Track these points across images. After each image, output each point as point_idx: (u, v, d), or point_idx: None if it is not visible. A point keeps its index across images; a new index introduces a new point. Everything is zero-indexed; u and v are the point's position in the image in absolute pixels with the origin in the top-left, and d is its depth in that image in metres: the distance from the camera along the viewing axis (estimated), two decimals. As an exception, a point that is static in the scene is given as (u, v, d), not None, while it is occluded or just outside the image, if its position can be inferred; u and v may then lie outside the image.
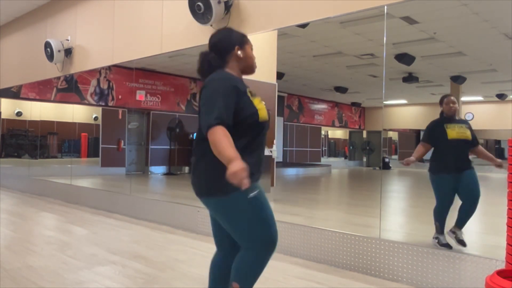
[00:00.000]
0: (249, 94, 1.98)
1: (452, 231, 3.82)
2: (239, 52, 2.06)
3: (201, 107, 1.91)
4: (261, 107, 1.98)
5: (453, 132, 3.85)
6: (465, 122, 3.98)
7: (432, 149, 3.96)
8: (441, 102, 4.02)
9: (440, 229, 3.84)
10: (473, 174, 3.86)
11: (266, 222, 1.96)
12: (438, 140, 3.89)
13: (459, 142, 3.85)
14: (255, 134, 1.97)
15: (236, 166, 1.70)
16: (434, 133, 3.93)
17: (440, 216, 3.89)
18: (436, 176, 3.90)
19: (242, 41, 2.11)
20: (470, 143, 3.89)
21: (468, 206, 3.83)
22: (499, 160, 3.78)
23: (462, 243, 3.70)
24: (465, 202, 3.85)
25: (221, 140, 1.76)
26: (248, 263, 1.98)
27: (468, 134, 3.87)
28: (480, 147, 3.97)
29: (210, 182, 1.93)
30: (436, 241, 3.73)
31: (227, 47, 2.07)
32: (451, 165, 3.84)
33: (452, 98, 3.95)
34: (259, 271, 2.00)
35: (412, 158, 3.86)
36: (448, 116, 3.93)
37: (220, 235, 2.13)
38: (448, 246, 3.61)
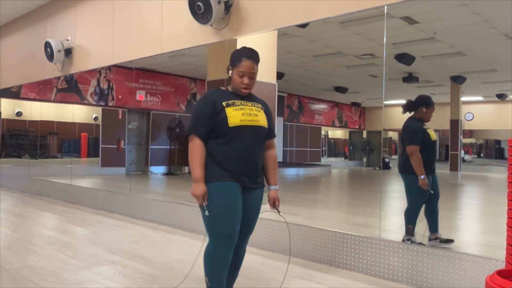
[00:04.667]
0: (224, 104, 2.31)
1: (433, 238, 3.84)
2: (230, 72, 2.40)
3: None
4: (233, 115, 2.28)
5: (433, 134, 3.92)
6: None
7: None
8: (421, 105, 3.92)
9: (412, 231, 3.86)
10: (436, 176, 3.99)
11: (226, 217, 2.26)
12: (423, 142, 3.86)
13: (435, 144, 3.94)
14: (228, 137, 2.29)
15: (197, 190, 2.24)
16: (420, 134, 3.88)
17: (414, 218, 3.90)
18: (416, 177, 3.82)
19: (234, 63, 2.37)
20: None
21: (432, 208, 3.92)
22: None
23: (449, 241, 3.72)
24: (429, 203, 3.91)
25: (191, 155, 2.29)
26: (205, 250, 2.32)
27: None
28: None
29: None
30: (409, 242, 3.74)
31: (229, 64, 2.41)
32: (430, 167, 3.89)
33: (434, 108, 3.92)
34: (211, 258, 2.29)
35: (424, 177, 3.77)
36: (425, 121, 3.96)
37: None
38: (422, 244, 3.64)
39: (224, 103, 2.32)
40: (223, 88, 2.46)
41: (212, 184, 2.27)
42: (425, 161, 3.82)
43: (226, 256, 2.28)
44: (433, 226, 3.90)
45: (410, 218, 3.91)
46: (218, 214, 2.25)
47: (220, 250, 2.27)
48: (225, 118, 2.28)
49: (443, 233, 3.98)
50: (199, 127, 2.30)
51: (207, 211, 2.24)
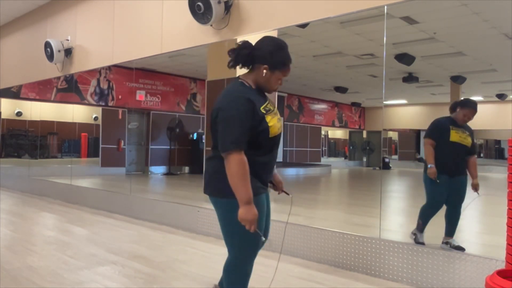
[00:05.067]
0: (263, 111, 2.01)
1: (445, 242, 3.82)
2: (264, 71, 2.06)
3: (219, 121, 1.95)
4: (273, 124, 2.02)
5: (456, 135, 3.88)
6: (469, 129, 3.98)
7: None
8: (457, 107, 3.93)
9: (421, 227, 3.87)
10: (464, 181, 3.93)
11: (260, 232, 2.02)
12: (439, 139, 3.88)
13: (459, 146, 3.87)
14: (268, 148, 2.07)
15: (250, 214, 1.89)
16: (438, 131, 3.93)
17: (427, 215, 3.91)
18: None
19: (277, 66, 2.08)
20: (468, 150, 3.91)
21: (453, 211, 3.89)
22: (476, 182, 3.89)
23: (459, 248, 3.69)
24: (450, 206, 3.89)
25: (239, 173, 1.89)
26: (228, 266, 2.11)
27: (468, 141, 3.90)
28: (474, 158, 4.00)
29: (215, 183, 2.07)
30: (414, 237, 3.74)
31: (261, 58, 2.06)
32: (447, 167, 3.86)
33: (474, 112, 3.90)
34: (239, 275, 2.10)
35: (433, 165, 3.81)
36: (458, 122, 3.94)
37: None
38: (423, 244, 3.63)
39: (262, 110, 2.02)
40: (245, 82, 2.10)
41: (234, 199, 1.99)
42: (439, 160, 3.83)
43: (251, 271, 2.15)
44: (448, 229, 3.88)
45: (422, 214, 3.93)
46: (258, 225, 2.00)
47: (249, 268, 2.11)
48: (267, 129, 2.00)
49: (443, 232, 3.97)
50: (243, 139, 1.93)
51: (263, 237, 2.01)
